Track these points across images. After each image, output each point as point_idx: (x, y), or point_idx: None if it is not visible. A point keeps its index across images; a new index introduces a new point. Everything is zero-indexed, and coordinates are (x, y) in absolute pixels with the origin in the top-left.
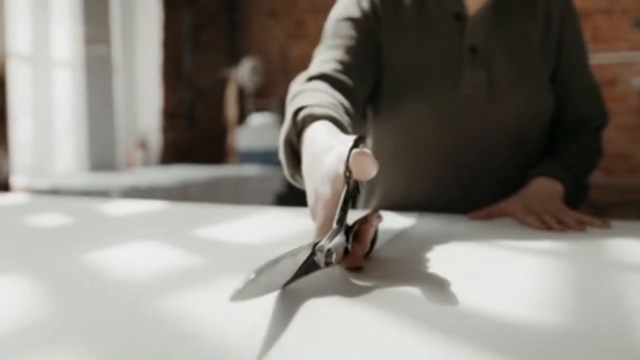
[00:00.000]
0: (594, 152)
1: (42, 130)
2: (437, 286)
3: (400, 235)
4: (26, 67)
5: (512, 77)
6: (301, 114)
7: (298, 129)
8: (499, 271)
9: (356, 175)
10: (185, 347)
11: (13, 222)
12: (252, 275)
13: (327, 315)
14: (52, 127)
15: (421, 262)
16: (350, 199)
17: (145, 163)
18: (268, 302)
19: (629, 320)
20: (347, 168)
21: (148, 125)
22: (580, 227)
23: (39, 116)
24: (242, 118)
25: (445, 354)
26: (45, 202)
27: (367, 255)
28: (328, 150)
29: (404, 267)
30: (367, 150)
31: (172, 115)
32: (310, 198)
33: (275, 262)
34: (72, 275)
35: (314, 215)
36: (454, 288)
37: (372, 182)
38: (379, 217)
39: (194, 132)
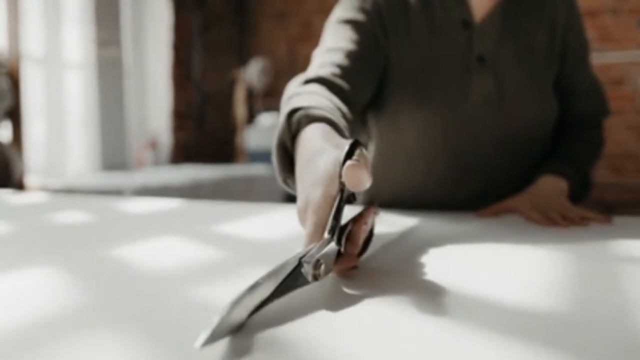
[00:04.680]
0: (597, 146)
1: (55, 131)
2: (436, 290)
3: (402, 237)
4: (39, 69)
5: (520, 84)
6: (296, 116)
7: (293, 131)
8: (504, 265)
9: (350, 187)
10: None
11: (37, 220)
12: (225, 311)
13: (317, 328)
14: (64, 127)
15: (422, 261)
16: (344, 207)
17: (156, 163)
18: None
19: (626, 310)
20: (342, 175)
21: (158, 125)
22: (584, 222)
23: (52, 117)
24: (251, 118)
25: None
26: (64, 200)
27: (362, 254)
28: (323, 154)
29: (402, 272)
30: (361, 162)
31: (181, 116)
32: (300, 202)
33: (254, 287)
34: (102, 269)
35: (302, 221)
36: (455, 289)
37: (377, 183)
38: (375, 213)
39: (204, 132)
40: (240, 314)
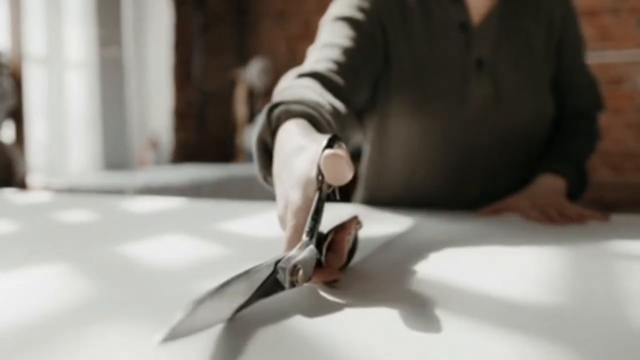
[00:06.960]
0: (593, 140)
1: (57, 131)
2: (435, 289)
3: (401, 236)
4: (41, 69)
5: (518, 86)
6: (276, 112)
7: (273, 127)
8: (504, 263)
9: (329, 179)
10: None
11: (40, 219)
12: (190, 307)
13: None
14: (66, 127)
15: (421, 261)
16: (323, 207)
17: (157, 162)
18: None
19: (624, 306)
20: (320, 171)
21: (159, 125)
22: (581, 220)
23: (54, 117)
24: (251, 118)
25: None
26: (66, 200)
27: (344, 267)
28: (300, 152)
29: (400, 271)
30: (342, 152)
31: (182, 115)
32: (279, 204)
33: (225, 285)
34: (105, 267)
35: (283, 224)
36: (454, 288)
37: (376, 183)
38: (359, 224)
39: (204, 132)
40: (207, 313)
